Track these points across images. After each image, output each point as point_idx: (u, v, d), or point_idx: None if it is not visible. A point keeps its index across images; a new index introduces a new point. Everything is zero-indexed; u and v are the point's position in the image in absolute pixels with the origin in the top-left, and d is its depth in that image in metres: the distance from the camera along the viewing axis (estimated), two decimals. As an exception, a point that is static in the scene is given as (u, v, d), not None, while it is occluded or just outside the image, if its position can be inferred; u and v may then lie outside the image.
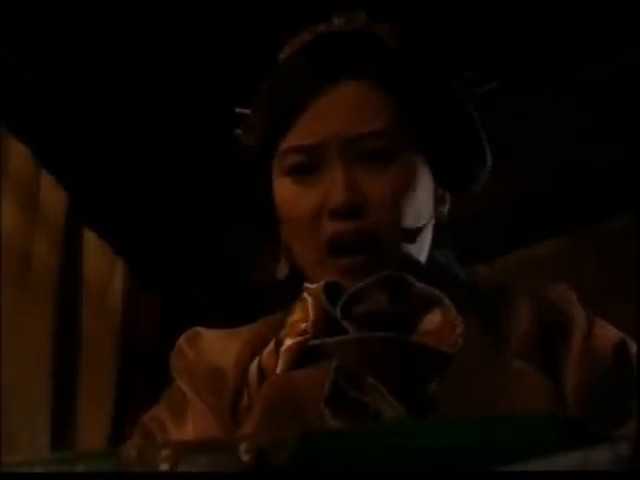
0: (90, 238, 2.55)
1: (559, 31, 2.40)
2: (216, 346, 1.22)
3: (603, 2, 2.34)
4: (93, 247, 2.56)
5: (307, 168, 1.19)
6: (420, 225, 1.20)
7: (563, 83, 2.54)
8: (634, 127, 2.50)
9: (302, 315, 1.15)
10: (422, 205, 1.20)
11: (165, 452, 0.77)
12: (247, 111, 1.26)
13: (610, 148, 2.61)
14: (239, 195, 1.29)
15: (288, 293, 1.20)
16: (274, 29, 1.25)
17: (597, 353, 1.13)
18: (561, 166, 2.64)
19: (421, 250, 1.21)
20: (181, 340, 1.24)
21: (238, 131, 1.27)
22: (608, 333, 1.16)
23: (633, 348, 1.15)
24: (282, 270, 1.24)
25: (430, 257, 1.24)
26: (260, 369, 1.14)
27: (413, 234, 1.19)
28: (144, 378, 2.60)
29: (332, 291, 1.14)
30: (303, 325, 1.14)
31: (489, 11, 2.33)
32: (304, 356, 1.12)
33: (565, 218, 2.73)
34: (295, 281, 1.21)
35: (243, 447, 0.75)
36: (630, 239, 2.43)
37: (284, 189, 1.21)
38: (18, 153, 2.33)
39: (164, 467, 0.76)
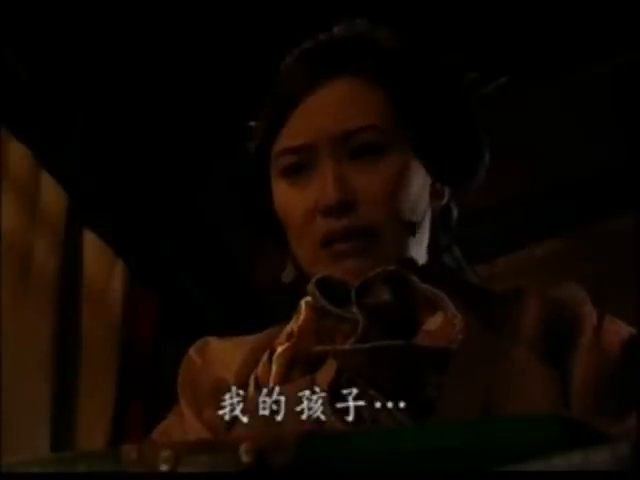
0: (90, 238, 2.55)
1: (559, 30, 2.40)
2: (222, 357, 1.21)
3: (603, 2, 2.34)
4: (93, 247, 2.56)
5: (299, 168, 1.18)
6: (415, 219, 1.19)
7: (563, 82, 2.54)
8: (634, 127, 2.50)
9: (296, 321, 1.14)
10: (416, 199, 1.19)
11: (165, 453, 0.77)
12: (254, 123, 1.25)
13: (609, 148, 2.61)
14: (247, 205, 1.28)
15: (288, 294, 1.19)
16: (277, 38, 1.25)
17: (607, 347, 1.12)
18: (561, 166, 2.64)
19: (419, 245, 1.20)
20: (191, 350, 1.24)
21: (252, 123, 1.26)
22: (619, 328, 1.15)
23: None
24: (288, 274, 1.24)
25: (437, 260, 1.23)
26: (257, 380, 1.13)
27: (407, 228, 1.18)
28: (144, 378, 2.60)
29: (325, 286, 1.12)
30: (291, 329, 1.12)
31: (490, 10, 2.33)
32: (297, 362, 1.10)
33: (565, 218, 2.73)
34: (300, 284, 1.20)
35: (243, 448, 0.75)
36: (630, 239, 2.43)
37: (280, 192, 1.20)
38: (18, 153, 2.33)
39: (164, 468, 0.76)
